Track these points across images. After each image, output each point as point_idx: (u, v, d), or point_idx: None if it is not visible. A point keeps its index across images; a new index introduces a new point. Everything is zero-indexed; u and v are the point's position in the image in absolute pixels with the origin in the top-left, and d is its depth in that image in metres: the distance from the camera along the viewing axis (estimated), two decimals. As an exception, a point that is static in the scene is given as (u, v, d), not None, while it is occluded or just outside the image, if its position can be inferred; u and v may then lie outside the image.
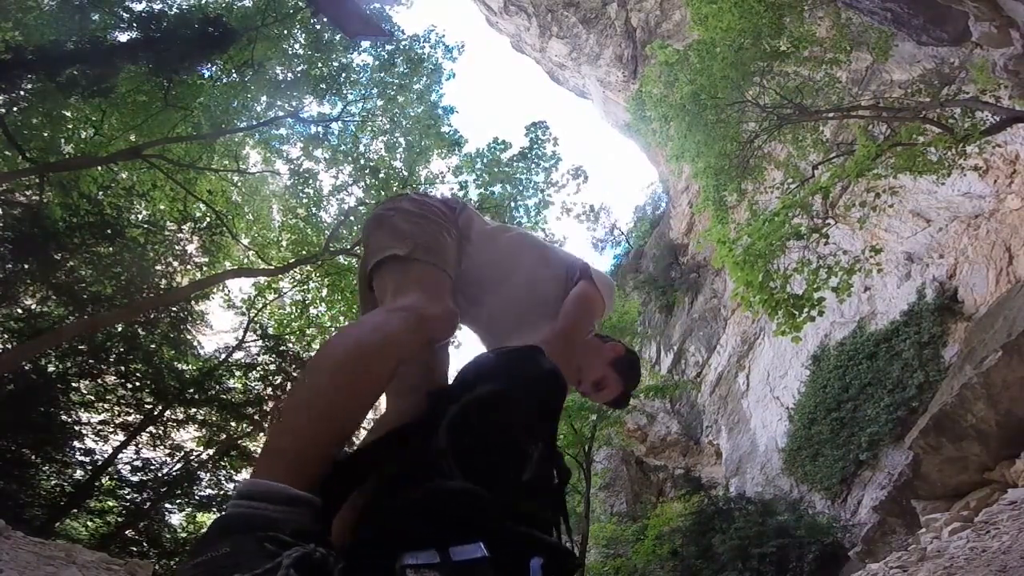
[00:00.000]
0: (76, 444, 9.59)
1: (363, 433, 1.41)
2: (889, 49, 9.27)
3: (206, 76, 10.11)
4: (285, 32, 10.37)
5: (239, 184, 12.33)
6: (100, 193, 10.12)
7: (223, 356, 11.81)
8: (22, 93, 8.33)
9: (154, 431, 10.46)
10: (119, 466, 10.11)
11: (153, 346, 10.69)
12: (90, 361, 9.72)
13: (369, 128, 11.50)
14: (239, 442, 11.17)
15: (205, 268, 11.79)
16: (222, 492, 10.75)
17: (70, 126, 9.82)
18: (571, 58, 22.94)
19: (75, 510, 9.68)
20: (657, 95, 11.33)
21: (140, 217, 11.35)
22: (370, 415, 1.22)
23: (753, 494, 13.63)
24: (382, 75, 11.13)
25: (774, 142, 10.47)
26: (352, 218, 11.58)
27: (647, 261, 20.10)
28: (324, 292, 12.53)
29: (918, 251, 11.17)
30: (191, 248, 11.67)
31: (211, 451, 11.02)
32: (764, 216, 8.88)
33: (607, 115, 24.28)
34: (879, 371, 10.75)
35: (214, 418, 10.94)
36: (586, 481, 13.93)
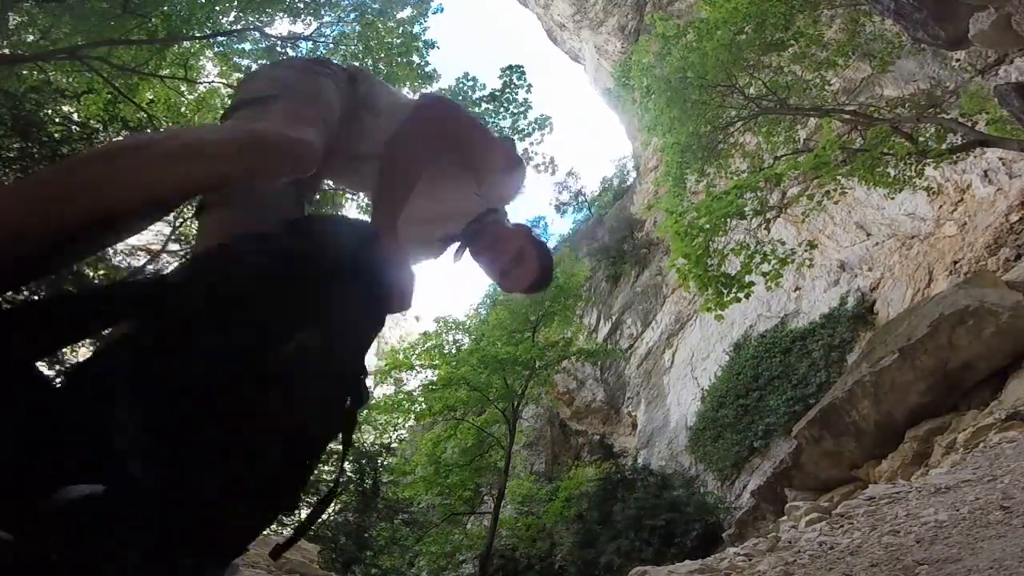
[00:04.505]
0: None
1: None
2: (889, 63, 9.30)
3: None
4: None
5: (185, 93, 11.53)
6: (23, 90, 9.29)
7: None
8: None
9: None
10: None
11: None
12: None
13: (341, 52, 10.90)
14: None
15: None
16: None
17: (11, 28, 8.95)
18: (574, 20, 22.33)
19: None
20: (645, 64, 11.15)
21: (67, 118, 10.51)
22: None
23: (657, 467, 14.05)
24: (364, -1, 10.53)
25: (747, 132, 10.49)
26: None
27: (604, 230, 20.25)
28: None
29: (851, 261, 11.54)
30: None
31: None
32: (715, 194, 8.95)
33: (596, 83, 23.94)
34: (789, 366, 11.13)
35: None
36: (510, 436, 14.18)
